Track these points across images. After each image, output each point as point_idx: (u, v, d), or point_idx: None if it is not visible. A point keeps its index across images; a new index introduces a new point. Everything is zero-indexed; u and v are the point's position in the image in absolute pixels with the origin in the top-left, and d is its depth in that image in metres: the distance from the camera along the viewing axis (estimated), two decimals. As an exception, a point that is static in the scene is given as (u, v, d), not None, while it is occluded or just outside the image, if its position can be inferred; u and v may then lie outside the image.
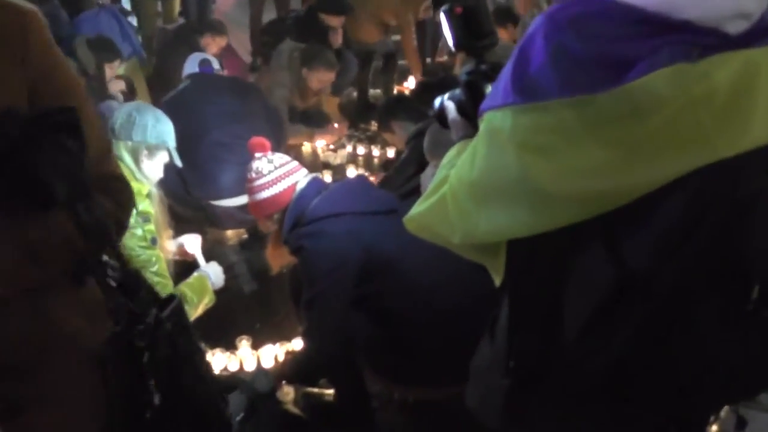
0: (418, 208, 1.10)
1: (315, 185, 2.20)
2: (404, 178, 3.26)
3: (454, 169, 1.02)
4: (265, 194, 2.20)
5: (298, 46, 4.14)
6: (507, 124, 0.88)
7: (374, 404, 2.29)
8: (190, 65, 3.52)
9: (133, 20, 5.70)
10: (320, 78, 4.12)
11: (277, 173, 2.20)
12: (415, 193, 3.18)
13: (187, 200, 3.24)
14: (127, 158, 2.16)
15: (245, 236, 3.58)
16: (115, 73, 4.09)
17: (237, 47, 5.55)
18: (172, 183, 3.15)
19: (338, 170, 4.32)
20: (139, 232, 2.09)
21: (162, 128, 2.26)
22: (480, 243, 1.02)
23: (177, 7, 5.73)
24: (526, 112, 0.86)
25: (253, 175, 2.22)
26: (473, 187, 0.96)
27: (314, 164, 4.42)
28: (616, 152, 0.83)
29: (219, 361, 2.64)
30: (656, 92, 0.80)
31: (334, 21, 4.68)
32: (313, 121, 4.33)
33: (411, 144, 3.27)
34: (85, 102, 1.02)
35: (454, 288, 1.93)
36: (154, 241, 2.13)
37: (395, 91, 5.61)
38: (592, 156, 0.84)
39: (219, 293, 2.59)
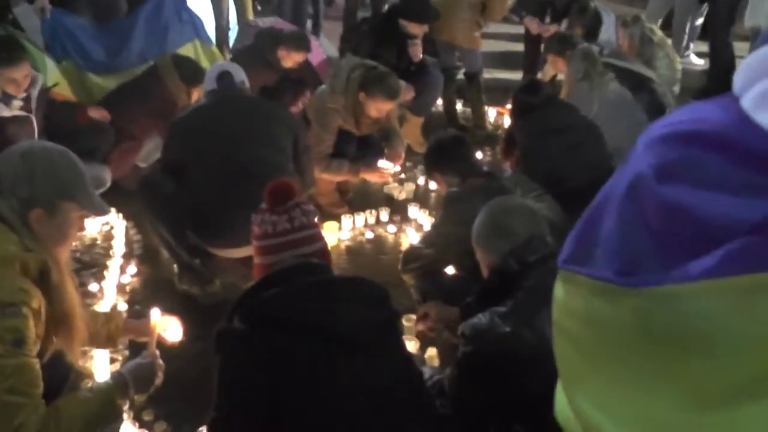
0: None
1: (290, 271, 1.57)
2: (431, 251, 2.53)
3: None
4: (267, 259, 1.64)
5: (361, 63, 3.45)
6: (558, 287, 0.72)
7: None
8: (209, 80, 2.86)
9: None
10: (378, 107, 3.35)
11: (296, 236, 1.63)
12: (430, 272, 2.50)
13: (183, 243, 2.70)
14: (12, 218, 1.54)
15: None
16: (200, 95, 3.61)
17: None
18: (168, 219, 2.65)
19: (399, 208, 3.66)
20: None
21: (62, 177, 1.62)
22: None
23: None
24: (564, 281, 0.70)
25: (261, 230, 1.64)
26: None
27: (375, 197, 3.81)
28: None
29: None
30: (716, 316, 0.53)
31: (416, 29, 4.00)
32: (371, 150, 3.63)
33: (446, 211, 2.55)
34: None
35: None
36: (17, 344, 1.46)
37: (495, 114, 4.82)
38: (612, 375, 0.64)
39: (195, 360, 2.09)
